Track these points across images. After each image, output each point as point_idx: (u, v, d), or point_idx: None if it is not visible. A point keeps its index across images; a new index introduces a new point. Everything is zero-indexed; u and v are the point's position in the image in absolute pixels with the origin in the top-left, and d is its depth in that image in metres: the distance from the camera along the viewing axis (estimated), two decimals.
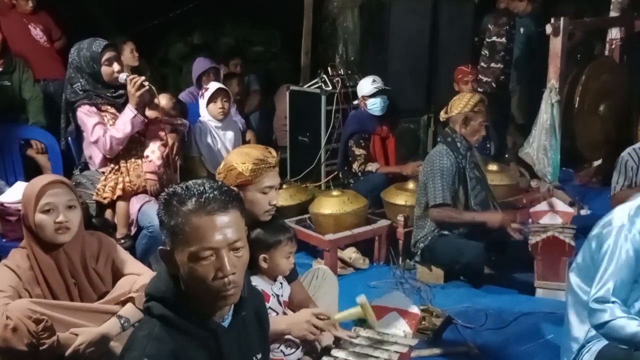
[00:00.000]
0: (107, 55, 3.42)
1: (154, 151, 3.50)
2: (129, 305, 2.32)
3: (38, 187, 2.31)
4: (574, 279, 2.48)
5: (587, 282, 2.38)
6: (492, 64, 5.69)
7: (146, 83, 3.40)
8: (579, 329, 2.44)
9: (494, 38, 5.69)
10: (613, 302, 2.21)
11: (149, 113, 3.58)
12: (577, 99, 5.34)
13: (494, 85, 5.59)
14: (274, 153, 2.45)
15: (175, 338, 1.57)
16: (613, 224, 2.32)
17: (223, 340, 1.62)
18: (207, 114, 4.19)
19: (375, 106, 4.85)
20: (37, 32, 5.24)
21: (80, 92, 3.46)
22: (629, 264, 2.24)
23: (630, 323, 2.17)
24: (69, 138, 3.66)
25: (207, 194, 1.56)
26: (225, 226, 1.55)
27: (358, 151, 4.82)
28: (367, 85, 4.91)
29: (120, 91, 3.51)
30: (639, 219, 2.28)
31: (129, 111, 3.39)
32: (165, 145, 3.55)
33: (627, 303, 2.26)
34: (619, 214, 2.33)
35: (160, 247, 1.63)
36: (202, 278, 1.55)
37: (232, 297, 1.59)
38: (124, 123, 3.39)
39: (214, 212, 1.54)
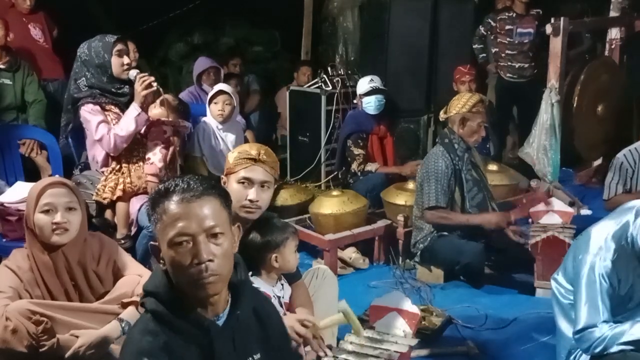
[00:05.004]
0: (119, 46, 3.45)
1: (155, 153, 3.50)
2: (131, 308, 2.31)
3: (40, 187, 2.32)
4: (555, 286, 2.50)
5: (568, 291, 2.42)
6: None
7: (154, 84, 3.41)
8: (568, 332, 2.45)
9: None
10: (599, 324, 2.23)
11: (154, 113, 3.58)
12: (576, 98, 5.34)
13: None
14: (262, 149, 2.44)
15: (166, 334, 1.58)
16: (589, 249, 2.31)
17: (216, 338, 1.62)
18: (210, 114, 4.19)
19: (369, 105, 4.87)
20: (36, 32, 5.24)
21: (84, 89, 3.46)
22: (607, 289, 2.26)
23: (616, 330, 2.21)
24: (69, 138, 3.66)
25: (183, 184, 1.61)
26: (200, 212, 1.58)
27: (357, 151, 4.83)
28: (364, 84, 4.95)
29: (124, 88, 3.51)
30: (614, 245, 2.28)
31: (133, 109, 3.40)
32: (167, 147, 3.55)
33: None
34: (597, 237, 2.32)
35: (151, 242, 1.65)
36: (180, 265, 1.56)
37: (211, 286, 1.57)
38: (128, 121, 3.39)
39: (189, 199, 1.58)
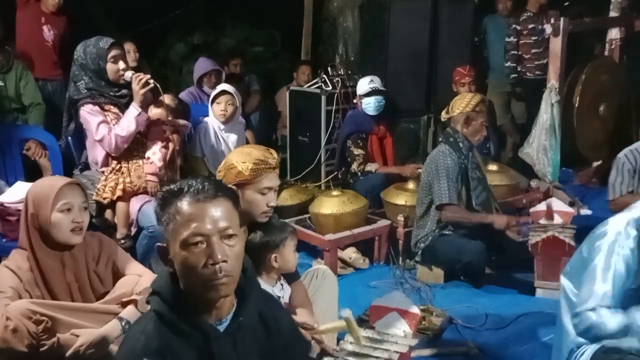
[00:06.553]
0: (113, 52, 3.43)
1: (155, 153, 3.50)
2: (131, 307, 2.32)
3: (57, 186, 2.32)
4: (565, 282, 2.48)
5: (578, 286, 2.38)
6: None
7: (151, 81, 3.40)
8: (572, 332, 2.43)
9: None
10: (601, 307, 2.20)
11: (154, 113, 3.58)
12: (577, 99, 5.34)
13: None
14: (275, 154, 2.45)
15: (165, 335, 1.58)
16: (607, 236, 2.28)
17: (215, 344, 1.61)
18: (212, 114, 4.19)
19: (369, 105, 4.89)
20: (49, 35, 5.10)
21: (84, 91, 3.46)
22: (620, 278, 2.23)
23: (613, 316, 2.16)
24: (69, 138, 3.66)
25: (197, 185, 1.62)
26: (215, 213, 1.58)
27: (357, 151, 4.83)
28: (363, 84, 4.96)
29: (123, 91, 3.51)
30: (633, 232, 2.25)
31: (133, 109, 3.39)
32: (166, 147, 3.55)
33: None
34: (614, 225, 2.29)
35: (158, 244, 1.65)
36: (193, 266, 1.56)
37: (223, 287, 1.58)
38: (129, 121, 3.39)
39: (203, 200, 1.59)
